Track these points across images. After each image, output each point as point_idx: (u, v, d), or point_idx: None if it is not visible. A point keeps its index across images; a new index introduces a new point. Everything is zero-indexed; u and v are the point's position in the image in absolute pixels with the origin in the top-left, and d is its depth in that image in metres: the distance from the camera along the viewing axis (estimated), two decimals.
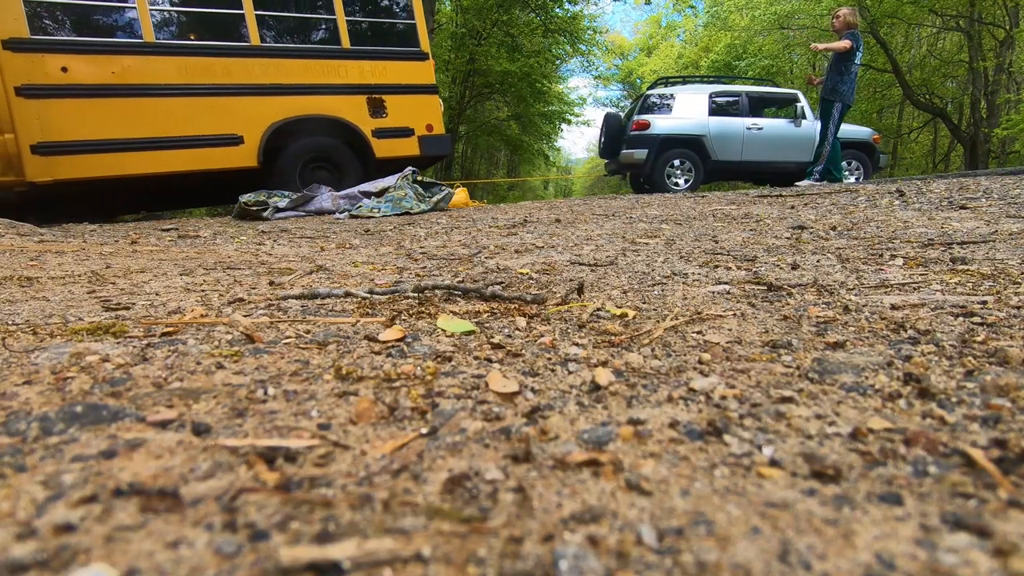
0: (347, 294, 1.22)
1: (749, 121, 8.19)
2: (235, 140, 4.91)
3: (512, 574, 0.36)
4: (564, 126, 23.77)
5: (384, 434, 0.57)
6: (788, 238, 2.09)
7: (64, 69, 4.30)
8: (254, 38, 4.96)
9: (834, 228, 2.29)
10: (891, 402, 0.62)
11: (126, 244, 2.73)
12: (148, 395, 0.66)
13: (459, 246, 2.33)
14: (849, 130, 8.73)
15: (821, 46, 6.20)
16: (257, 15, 4.94)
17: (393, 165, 5.49)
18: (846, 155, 8.33)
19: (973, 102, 17.00)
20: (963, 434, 0.54)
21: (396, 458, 0.52)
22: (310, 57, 5.21)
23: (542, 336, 0.91)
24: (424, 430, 0.57)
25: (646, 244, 2.15)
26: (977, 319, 0.91)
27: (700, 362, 0.76)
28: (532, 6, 16.23)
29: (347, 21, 5.32)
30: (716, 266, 1.58)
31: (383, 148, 5.51)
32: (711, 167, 8.09)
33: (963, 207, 2.74)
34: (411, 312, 1.09)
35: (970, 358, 0.73)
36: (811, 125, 8.40)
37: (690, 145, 8.02)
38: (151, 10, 4.57)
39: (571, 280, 1.44)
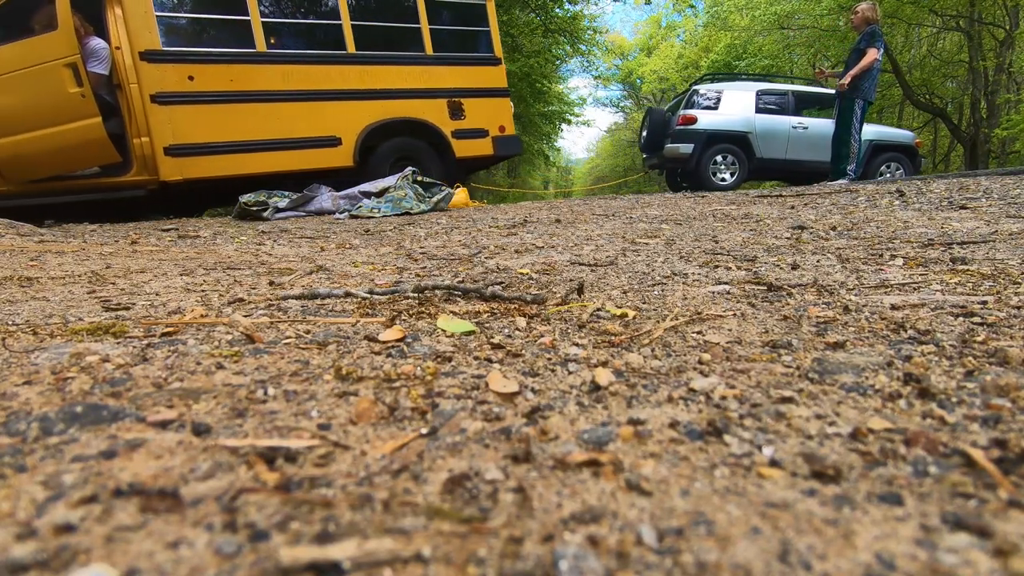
0: (347, 294, 1.22)
1: (795, 120, 8.26)
2: (334, 141, 5.30)
3: (512, 574, 0.36)
4: (564, 126, 23.78)
5: (384, 434, 0.57)
6: (788, 238, 2.09)
7: (191, 78, 4.72)
8: (350, 46, 5.36)
9: (834, 228, 2.29)
10: (891, 402, 0.62)
11: (126, 244, 2.73)
12: (148, 395, 0.66)
13: (459, 246, 2.33)
14: (892, 133, 8.82)
15: (845, 80, 5.77)
16: (353, 25, 5.35)
17: (470, 164, 6.07)
18: (888, 158, 8.40)
19: (973, 102, 17.00)
20: (963, 434, 0.54)
21: (396, 458, 0.52)
22: (398, 64, 5.60)
23: (542, 336, 0.91)
24: (424, 430, 0.57)
25: (646, 244, 2.15)
26: (977, 319, 0.91)
27: (700, 362, 0.76)
28: (532, 6, 16.22)
29: (430, 30, 5.70)
30: (716, 266, 1.58)
31: (462, 148, 5.88)
32: (755, 164, 8.14)
33: (963, 207, 2.74)
34: (411, 312, 1.09)
35: (970, 358, 0.73)
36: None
37: (736, 141, 8.06)
38: (263, 22, 5.01)
39: (571, 280, 1.44)
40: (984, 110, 16.65)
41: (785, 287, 1.23)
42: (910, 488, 0.45)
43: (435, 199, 4.59)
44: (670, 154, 8.15)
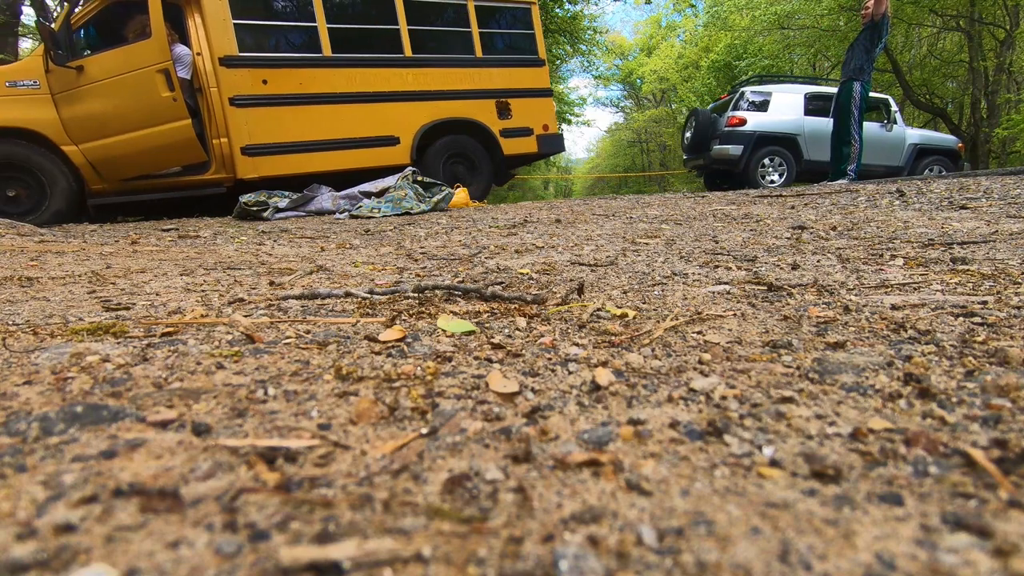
0: (347, 294, 1.22)
1: None
2: (393, 141, 5.63)
3: (512, 574, 0.36)
4: (564, 126, 23.79)
5: (384, 434, 0.57)
6: (788, 238, 2.09)
7: (265, 81, 5.07)
8: (407, 50, 5.70)
9: (834, 228, 2.29)
10: (891, 402, 0.62)
11: (126, 244, 2.73)
12: (148, 395, 0.66)
13: (459, 246, 2.33)
14: (937, 137, 8.98)
15: (871, 4, 5.41)
16: (409, 30, 5.68)
17: (517, 161, 6.48)
18: (932, 161, 8.44)
19: (973, 102, 17.00)
20: (963, 434, 0.54)
21: (396, 458, 0.52)
22: (450, 66, 5.94)
23: (542, 336, 0.91)
24: (424, 430, 0.57)
25: (646, 244, 2.15)
26: (977, 319, 0.91)
27: (700, 362, 0.76)
28: None
29: (480, 33, 6.06)
30: (716, 266, 1.58)
31: (509, 146, 6.21)
32: (803, 166, 8.17)
33: (963, 207, 2.74)
34: (411, 312, 1.09)
35: (970, 358, 0.73)
36: (901, 130, 8.59)
37: (784, 143, 8.10)
38: (329, 28, 5.33)
39: (571, 280, 1.44)
40: (984, 110, 16.65)
41: (785, 287, 1.23)
42: (910, 488, 0.45)
43: (435, 199, 4.59)
44: (718, 155, 8.16)
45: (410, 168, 4.85)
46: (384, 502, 0.44)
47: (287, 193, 4.69)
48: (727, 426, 0.57)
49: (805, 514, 0.42)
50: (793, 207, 3.31)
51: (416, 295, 1.22)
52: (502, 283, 1.42)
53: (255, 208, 4.36)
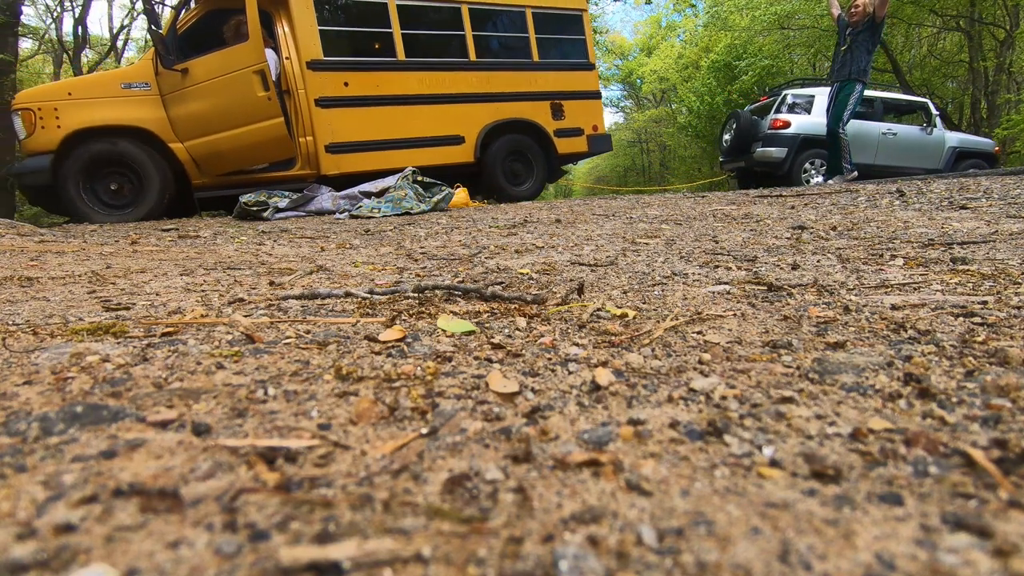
0: (347, 294, 1.22)
1: (884, 126, 8.35)
2: (459, 140, 5.99)
3: (512, 574, 0.36)
4: None
5: (384, 434, 0.57)
6: (788, 238, 2.09)
7: (346, 84, 5.40)
8: (472, 55, 6.08)
9: (834, 228, 2.29)
10: (891, 402, 0.62)
11: (126, 244, 2.73)
12: (148, 395, 0.66)
13: (459, 246, 2.33)
14: (975, 141, 9.00)
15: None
16: (474, 35, 6.09)
17: (568, 159, 6.92)
18: (971, 164, 8.49)
19: (973, 102, 17.00)
20: (963, 434, 0.54)
21: (396, 458, 0.52)
22: (510, 69, 6.33)
23: (542, 336, 0.91)
24: (424, 430, 0.57)
25: (646, 244, 2.15)
26: (977, 319, 0.91)
27: (700, 362, 0.76)
28: None
29: (536, 38, 6.44)
30: (716, 266, 1.58)
31: (562, 145, 6.58)
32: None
33: (963, 207, 2.74)
34: (411, 312, 1.09)
35: (970, 358, 0.73)
36: (940, 133, 8.61)
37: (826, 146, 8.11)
38: (402, 33, 5.73)
39: (571, 280, 1.44)
40: (984, 110, 16.65)
41: (785, 287, 1.23)
42: (910, 488, 0.45)
43: (435, 199, 4.59)
44: (761, 158, 8.14)
45: (410, 168, 4.86)
46: (384, 502, 0.44)
47: (287, 193, 4.70)
48: (727, 426, 0.57)
49: (805, 514, 0.42)
50: (793, 207, 3.31)
51: (416, 295, 1.22)
52: (502, 283, 1.42)
53: (255, 208, 4.36)
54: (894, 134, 8.41)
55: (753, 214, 3.03)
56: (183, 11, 5.02)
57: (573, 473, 0.49)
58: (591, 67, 6.91)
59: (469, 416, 0.61)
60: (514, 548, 0.39)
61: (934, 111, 8.81)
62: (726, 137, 8.98)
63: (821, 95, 8.29)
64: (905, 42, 19.22)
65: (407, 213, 4.31)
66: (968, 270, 1.33)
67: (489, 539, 0.40)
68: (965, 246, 1.68)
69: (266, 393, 0.67)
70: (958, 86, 19.05)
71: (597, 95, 7.04)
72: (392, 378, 0.72)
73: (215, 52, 4.78)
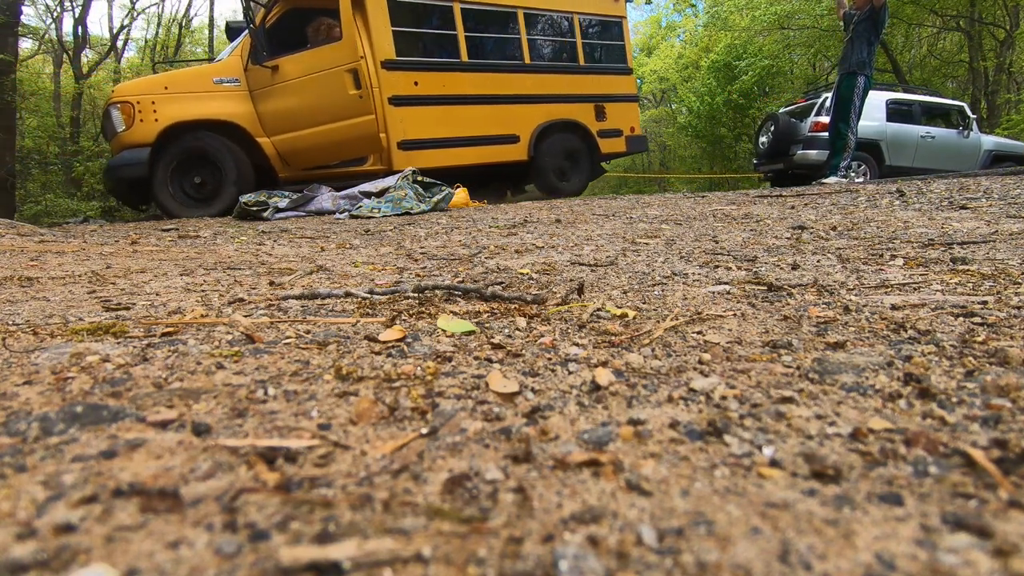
0: (347, 294, 1.22)
1: (923, 129, 8.39)
2: (515, 139, 6.31)
3: (512, 574, 0.36)
4: None
5: (384, 434, 0.57)
6: (788, 238, 2.09)
7: (416, 83, 5.62)
8: (526, 58, 6.43)
9: (834, 228, 2.29)
10: (891, 402, 0.62)
11: (126, 244, 2.73)
12: (148, 395, 0.66)
13: (459, 246, 2.33)
14: (1010, 144, 9.10)
15: None
16: (528, 39, 6.42)
17: (607, 158, 7.31)
18: (1007, 167, 8.52)
19: (973, 102, 16.98)
20: (963, 434, 0.54)
21: (396, 458, 0.52)
22: (559, 72, 6.69)
23: (542, 336, 0.91)
24: (424, 430, 0.57)
25: (646, 244, 2.15)
26: (977, 319, 0.91)
27: (700, 362, 0.76)
28: None
29: (582, 44, 6.80)
30: (716, 266, 1.58)
31: (605, 145, 6.96)
32: (885, 171, 8.19)
33: (963, 207, 2.74)
34: (411, 312, 1.09)
35: (970, 358, 0.73)
36: (976, 136, 8.67)
37: (868, 149, 8.10)
38: (465, 36, 6.03)
39: (571, 280, 1.44)
40: (984, 110, 16.64)
41: (785, 287, 1.23)
42: (910, 488, 0.45)
43: (435, 199, 4.59)
44: (802, 160, 8.12)
45: (410, 168, 4.86)
46: (384, 502, 0.44)
47: (287, 193, 4.69)
48: (727, 426, 0.57)
49: (805, 514, 0.42)
50: (793, 207, 3.31)
51: (416, 295, 1.22)
52: (502, 283, 1.42)
53: (255, 208, 4.36)
54: (933, 137, 8.46)
55: (753, 214, 3.03)
56: (270, 9, 5.13)
57: (573, 473, 0.49)
58: (629, 71, 7.32)
59: (469, 416, 0.61)
60: (514, 548, 0.39)
61: (971, 115, 8.87)
62: (762, 139, 8.95)
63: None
64: (905, 42, 19.21)
65: (407, 213, 4.31)
66: (968, 270, 1.33)
67: (489, 539, 0.40)
68: (965, 246, 1.68)
69: (266, 393, 0.67)
70: (958, 86, 19.04)
71: (635, 98, 7.49)
72: (392, 378, 0.72)
73: (307, 50, 4.95)
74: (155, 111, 4.63)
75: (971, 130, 8.71)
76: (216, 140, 4.84)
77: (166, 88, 4.74)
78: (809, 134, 8.13)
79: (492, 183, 6.80)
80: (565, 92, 6.66)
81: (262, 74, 4.91)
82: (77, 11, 17.60)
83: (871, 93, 8.50)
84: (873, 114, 8.13)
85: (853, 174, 8.03)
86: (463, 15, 5.95)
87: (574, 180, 6.83)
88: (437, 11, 5.90)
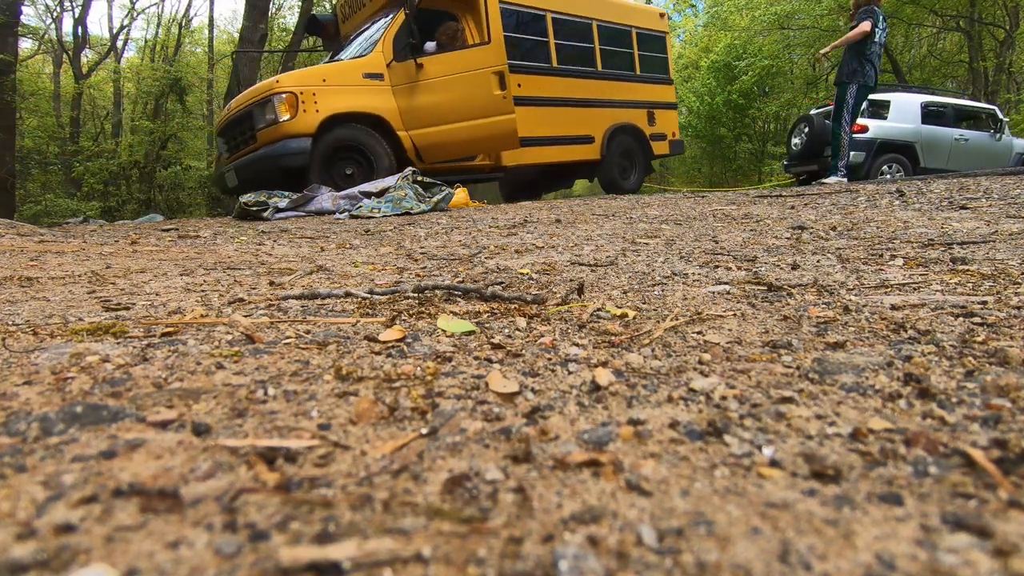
0: (347, 294, 1.22)
1: (957, 132, 8.49)
2: (591, 139, 7.06)
3: (512, 574, 0.36)
4: None
5: (384, 434, 0.57)
6: (788, 238, 2.09)
7: (519, 85, 6.07)
8: (599, 65, 7.22)
9: (834, 228, 2.29)
10: (891, 402, 0.62)
11: (126, 244, 2.73)
12: (148, 395, 0.66)
13: (459, 246, 2.33)
14: None
15: (827, 50, 6.05)
16: (600, 48, 7.22)
17: (657, 159, 8.22)
18: None
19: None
20: (963, 434, 0.54)
21: (396, 458, 0.52)
22: (622, 80, 7.52)
23: (542, 336, 0.91)
24: (424, 430, 0.57)
25: (646, 244, 2.15)
26: (977, 319, 0.91)
27: (700, 362, 0.76)
28: None
29: (639, 55, 7.68)
30: (716, 266, 1.58)
31: (655, 148, 7.85)
32: (919, 173, 8.22)
33: (963, 207, 2.74)
34: (411, 312, 1.09)
35: (970, 358, 0.73)
36: (1008, 139, 8.79)
37: (903, 151, 8.18)
38: (555, 43, 6.72)
39: (571, 280, 1.44)
40: None
41: (785, 287, 1.23)
42: (910, 488, 0.45)
43: (435, 199, 4.59)
44: None
45: (410, 168, 4.86)
46: (384, 502, 0.44)
47: (287, 193, 4.69)
48: (727, 426, 0.57)
49: (805, 514, 0.42)
50: (793, 207, 3.31)
51: (416, 295, 1.22)
52: (502, 283, 1.42)
53: (255, 208, 4.36)
54: (966, 139, 8.57)
55: (753, 214, 3.03)
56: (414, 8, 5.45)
57: (573, 473, 0.49)
58: (671, 82, 8.27)
59: (469, 416, 0.61)
60: (514, 548, 0.39)
61: (1003, 118, 8.94)
62: (795, 141, 8.98)
63: (897, 100, 8.43)
64: (905, 42, 19.22)
65: (407, 213, 4.31)
66: (968, 270, 1.33)
67: (489, 539, 0.40)
68: (965, 246, 1.68)
69: (266, 393, 0.67)
70: (958, 86, 19.04)
71: (675, 106, 8.41)
72: (392, 378, 0.72)
73: (454, 51, 5.40)
74: (316, 102, 4.85)
75: (1003, 133, 8.81)
76: (367, 132, 5.10)
77: (324, 81, 4.98)
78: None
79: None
80: (626, 98, 7.46)
81: (404, 70, 5.20)
82: (77, 11, 17.61)
83: (906, 95, 8.53)
84: (908, 117, 8.22)
85: (891, 176, 8.13)
86: (554, 24, 6.64)
87: (631, 178, 7.60)
88: (535, 18, 6.54)
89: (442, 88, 5.30)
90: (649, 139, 7.74)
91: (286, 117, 4.81)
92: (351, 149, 5.11)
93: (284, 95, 4.81)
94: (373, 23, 5.84)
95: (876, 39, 5.59)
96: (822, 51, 6.30)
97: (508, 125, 5.50)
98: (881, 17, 5.62)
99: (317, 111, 4.85)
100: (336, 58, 5.87)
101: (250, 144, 5.12)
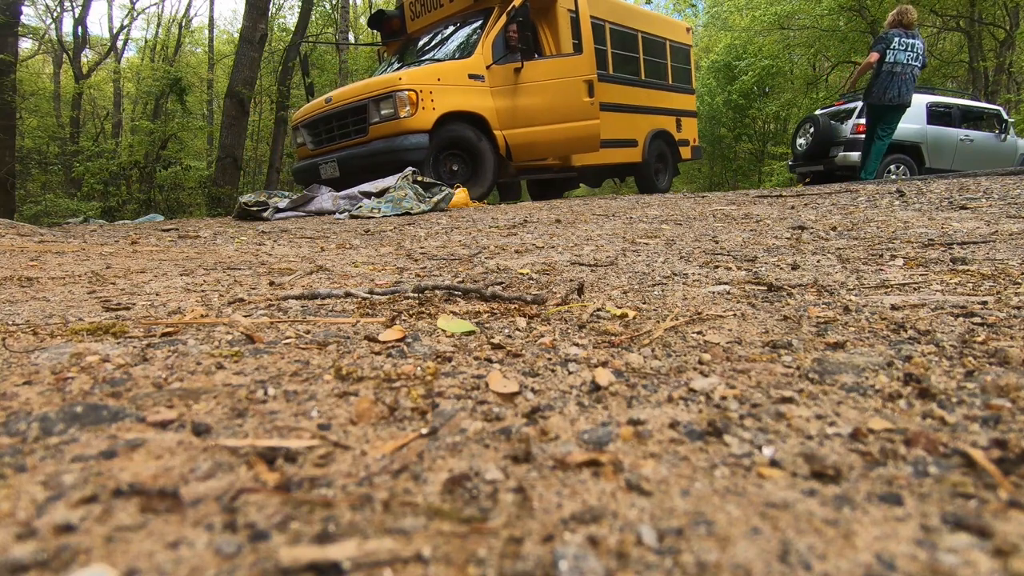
0: (347, 294, 1.22)
1: (963, 133, 8.53)
2: (635, 143, 7.66)
3: (512, 574, 0.36)
4: None
5: (384, 434, 0.57)
6: (788, 238, 2.09)
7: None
8: (642, 74, 7.85)
9: (834, 228, 2.29)
10: (891, 402, 0.62)
11: (126, 244, 2.73)
12: (148, 395, 0.66)
13: (459, 246, 2.33)
14: None
15: (847, 85, 6.74)
16: (643, 59, 7.85)
17: (683, 163, 8.91)
18: None
19: None
20: (963, 434, 0.54)
21: (396, 458, 0.52)
22: (658, 89, 8.14)
23: (542, 336, 0.91)
24: (424, 430, 0.57)
25: (646, 244, 2.15)
26: (977, 319, 0.91)
27: (700, 362, 0.76)
28: None
29: (671, 66, 8.35)
30: (716, 266, 1.58)
31: (682, 153, 8.56)
32: (924, 173, 8.24)
33: (963, 207, 2.74)
34: (411, 312, 1.09)
35: (970, 358, 0.73)
36: (1013, 140, 8.84)
37: (908, 151, 8.20)
38: (612, 52, 7.29)
39: (571, 280, 1.44)
40: None
41: (785, 287, 1.23)
42: (910, 488, 0.45)
43: (435, 199, 4.59)
44: (844, 162, 8.22)
45: (410, 168, 4.86)
46: (384, 502, 0.44)
47: (287, 193, 4.70)
48: (727, 426, 0.57)
49: (805, 514, 0.42)
50: (793, 207, 3.31)
51: (416, 295, 1.22)
52: (502, 283, 1.42)
53: (255, 208, 4.36)
54: (971, 140, 8.60)
55: (753, 214, 3.03)
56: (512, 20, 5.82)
57: (573, 473, 0.49)
58: (693, 91, 8.98)
59: (469, 416, 0.61)
60: (514, 548, 0.39)
61: (1008, 118, 8.97)
62: (800, 141, 9.04)
63: None
64: None
65: (407, 213, 4.31)
66: (968, 270, 1.33)
67: (489, 539, 0.40)
68: (965, 246, 1.68)
69: (266, 393, 0.67)
70: (958, 86, 19.03)
71: (695, 114, 9.07)
72: (392, 378, 0.72)
73: (551, 59, 5.92)
74: (433, 100, 5.16)
75: (1008, 134, 8.83)
76: (473, 131, 5.42)
77: (439, 80, 5.27)
78: (851, 136, 8.24)
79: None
80: (661, 105, 8.08)
81: (502, 73, 5.55)
82: (77, 11, 17.62)
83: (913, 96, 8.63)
84: (914, 117, 8.22)
85: (897, 176, 8.19)
86: (611, 34, 7.21)
87: (663, 180, 8.30)
88: (595, 29, 6.79)
89: (537, 92, 5.70)
90: (677, 144, 8.39)
91: (406, 113, 5.05)
92: (456, 146, 5.41)
93: (406, 92, 5.05)
94: (456, 25, 6.11)
95: (890, 60, 5.81)
96: (847, 88, 6.97)
97: (593, 129, 5.94)
98: (897, 40, 5.80)
99: (434, 109, 5.14)
100: (420, 58, 6.09)
101: (355, 137, 5.36)
